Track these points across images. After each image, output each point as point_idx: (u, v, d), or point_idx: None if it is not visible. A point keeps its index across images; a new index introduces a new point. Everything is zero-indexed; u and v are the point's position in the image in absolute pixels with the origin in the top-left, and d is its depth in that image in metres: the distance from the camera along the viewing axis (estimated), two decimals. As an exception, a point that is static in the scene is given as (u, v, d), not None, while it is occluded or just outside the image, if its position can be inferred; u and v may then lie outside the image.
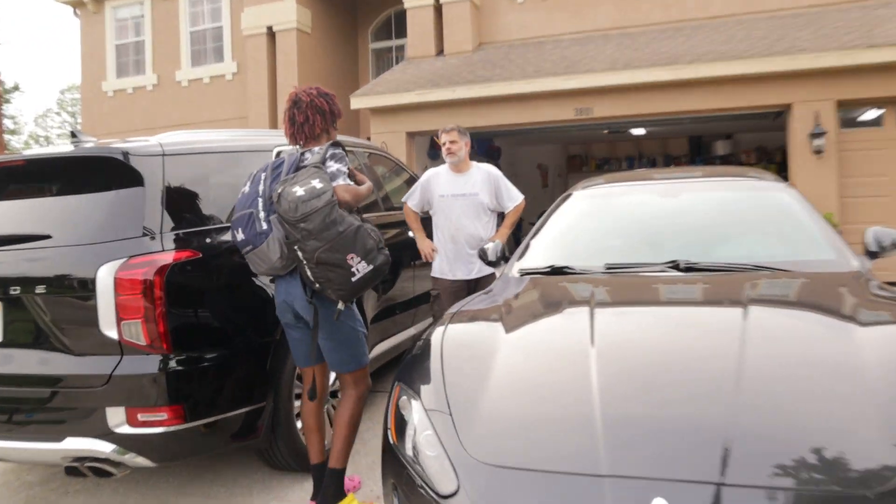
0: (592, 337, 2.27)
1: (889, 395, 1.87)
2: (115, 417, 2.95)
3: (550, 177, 15.03)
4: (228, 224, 3.44)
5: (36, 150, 3.43)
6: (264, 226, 2.99)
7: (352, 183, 3.05)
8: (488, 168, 4.80)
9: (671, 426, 1.84)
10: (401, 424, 2.20)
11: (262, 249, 3.00)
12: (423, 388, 2.23)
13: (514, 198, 4.76)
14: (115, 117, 14.09)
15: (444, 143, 4.66)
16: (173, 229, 3.17)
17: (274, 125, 12.15)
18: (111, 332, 2.96)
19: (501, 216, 4.88)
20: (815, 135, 8.46)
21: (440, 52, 11.56)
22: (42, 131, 39.09)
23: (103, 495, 3.71)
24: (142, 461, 2.99)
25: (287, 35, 12.17)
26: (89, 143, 3.38)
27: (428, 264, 4.92)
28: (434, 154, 10.83)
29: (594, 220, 3.72)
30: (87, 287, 2.99)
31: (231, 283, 3.41)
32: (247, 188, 3.11)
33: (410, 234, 4.96)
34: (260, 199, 3.03)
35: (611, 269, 3.09)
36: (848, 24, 8.99)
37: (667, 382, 2.01)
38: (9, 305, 3.13)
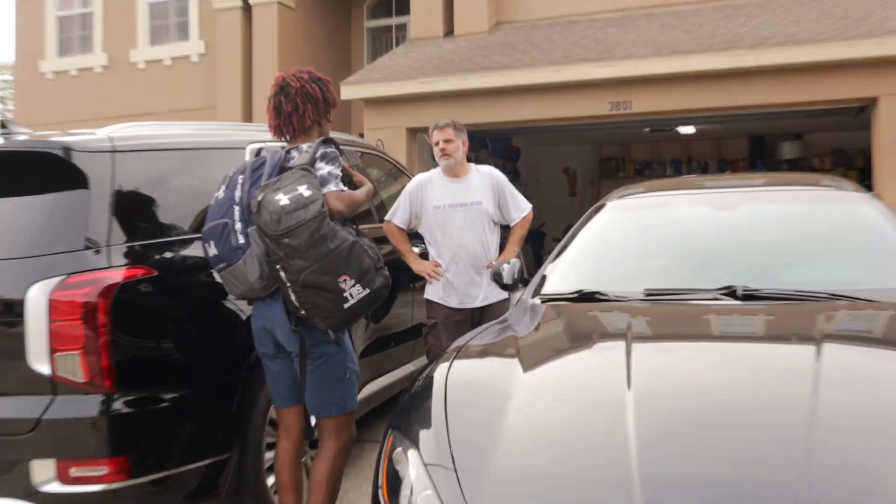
0: (629, 379, 2.25)
1: None
2: (43, 472, 2.94)
3: (579, 183, 15.05)
4: (191, 236, 3.45)
5: (-43, 144, 3.45)
6: (241, 239, 2.99)
7: (345, 189, 3.05)
8: (490, 171, 4.77)
9: (725, 494, 1.81)
10: (394, 482, 2.17)
11: (238, 267, 3.00)
12: (423, 438, 2.21)
13: (520, 207, 4.72)
14: (55, 104, 14.20)
15: (437, 143, 4.62)
16: (124, 242, 3.18)
17: (248, 117, 12.23)
18: (42, 367, 2.95)
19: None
20: (906, 135, 8.45)
21: (449, 32, 11.63)
22: (-32, 121, 39.37)
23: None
24: (74, 527, 2.97)
25: (266, 9, 12.28)
26: (22, 136, 3.40)
27: (429, 287, 4.89)
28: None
29: (632, 236, 3.71)
30: (13, 310, 2.99)
31: (193, 307, 3.41)
32: (221, 193, 3.12)
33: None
34: (236, 208, 3.04)
35: (652, 295, 3.08)
36: (944, 2, 9.01)
37: (720, 438, 1.99)
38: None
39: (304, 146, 3.12)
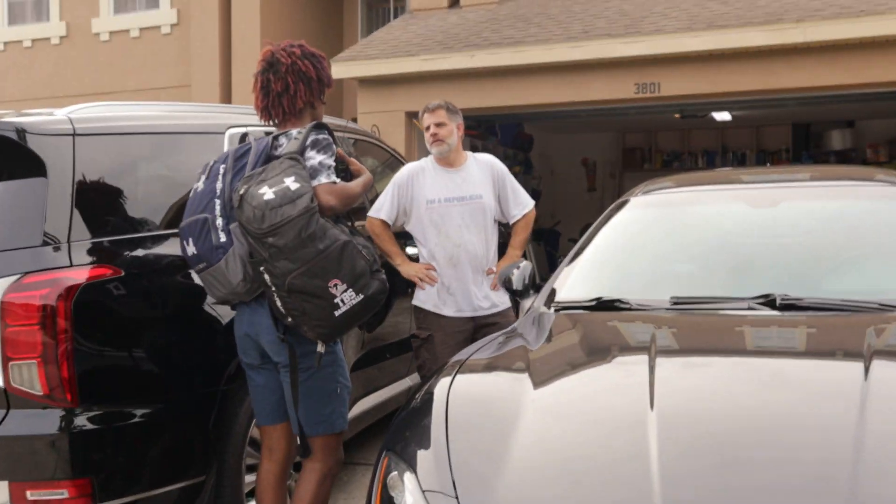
0: (652, 397, 2.27)
1: None
2: (-5, 495, 2.95)
3: (599, 177, 15.02)
4: (164, 231, 3.48)
5: None
6: (222, 237, 3.01)
7: (338, 180, 3.07)
8: (489, 160, 4.72)
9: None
10: (388, 510, 2.20)
11: (219, 268, 3.02)
12: (421, 460, 2.23)
13: (522, 203, 4.67)
14: (6, 80, 14.18)
15: (428, 127, 4.58)
16: (88, 237, 3.20)
17: (227, 97, 12.23)
18: (-6, 377, 2.96)
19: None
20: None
21: (455, 2, 11.64)
22: None
23: None
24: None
25: (247, -25, 12.28)
26: (-31, 117, 3.41)
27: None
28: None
29: (658, 236, 3.73)
30: (-38, 314, 2.99)
31: (166, 312, 3.43)
32: (200, 185, 3.14)
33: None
34: (217, 201, 3.05)
35: (679, 304, 3.10)
36: None
37: (753, 466, 2.00)
38: None
39: (294, 132, 3.13)
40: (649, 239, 3.73)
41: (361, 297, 2.93)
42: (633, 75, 9.38)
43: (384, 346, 4.91)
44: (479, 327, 4.48)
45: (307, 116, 3.24)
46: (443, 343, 4.41)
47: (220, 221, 3.02)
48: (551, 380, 2.55)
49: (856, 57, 8.68)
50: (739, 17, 9.03)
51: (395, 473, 2.26)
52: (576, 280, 3.50)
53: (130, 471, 3.18)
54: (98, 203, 3.33)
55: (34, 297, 2.98)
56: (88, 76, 13.60)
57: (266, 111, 3.24)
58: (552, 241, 13.08)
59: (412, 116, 10.41)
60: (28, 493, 2.96)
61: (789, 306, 2.94)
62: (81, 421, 3.03)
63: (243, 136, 3.48)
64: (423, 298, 4.54)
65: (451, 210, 4.51)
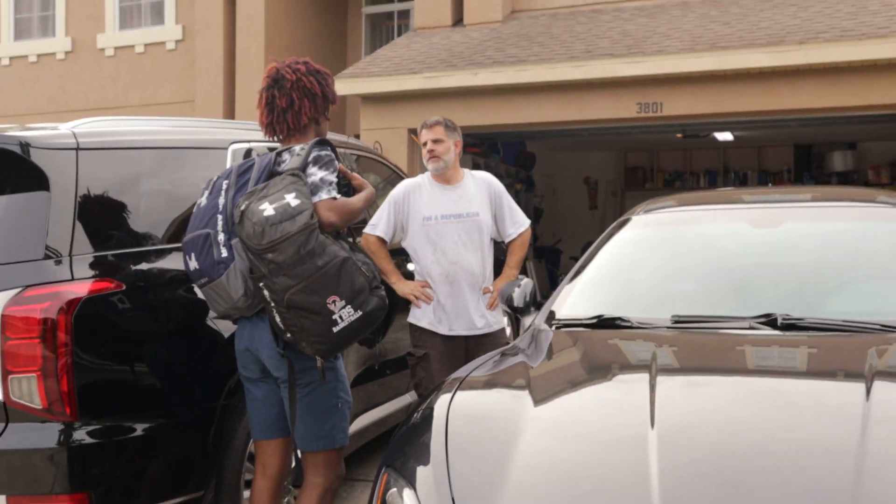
0: (652, 416, 2.26)
1: None
2: (-8, 510, 2.95)
3: (601, 195, 15.05)
4: (166, 246, 3.49)
5: None
6: (224, 253, 3.02)
7: (339, 196, 3.08)
8: (487, 178, 4.73)
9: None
10: (387, 527, 2.20)
11: (220, 283, 3.03)
12: (420, 477, 2.23)
13: (518, 222, 4.66)
14: (10, 94, 14.23)
15: (425, 143, 4.56)
16: (90, 251, 3.20)
17: (230, 112, 12.26)
18: (-7, 390, 2.96)
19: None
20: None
21: (458, 21, 11.68)
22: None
23: None
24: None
25: (252, -9, 12.33)
26: (-26, 130, 3.43)
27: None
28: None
29: (659, 255, 3.73)
30: (-39, 327, 2.99)
31: (166, 326, 3.43)
32: (204, 200, 3.15)
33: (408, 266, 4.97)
34: (220, 217, 3.06)
35: (680, 322, 3.09)
36: None
37: (753, 486, 2.00)
38: None
39: (297, 148, 3.14)
40: (650, 257, 3.74)
41: (360, 313, 2.94)
42: (635, 95, 9.42)
43: (384, 362, 4.91)
44: (473, 346, 4.45)
45: (311, 132, 3.25)
46: (439, 361, 4.40)
47: (221, 237, 3.03)
48: (552, 397, 2.54)
49: (857, 79, 8.71)
50: (742, 39, 9.07)
51: (394, 490, 2.26)
52: (577, 298, 3.50)
53: (129, 485, 3.17)
54: (100, 217, 3.34)
55: (35, 311, 2.98)
56: (93, 91, 13.65)
57: (271, 127, 3.25)
58: (553, 259, 13.10)
59: (415, 133, 10.43)
60: (26, 509, 2.95)
61: (790, 326, 2.94)
62: (80, 435, 3.03)
63: (248, 152, 3.48)
64: (419, 316, 4.53)
65: (448, 227, 4.49)
